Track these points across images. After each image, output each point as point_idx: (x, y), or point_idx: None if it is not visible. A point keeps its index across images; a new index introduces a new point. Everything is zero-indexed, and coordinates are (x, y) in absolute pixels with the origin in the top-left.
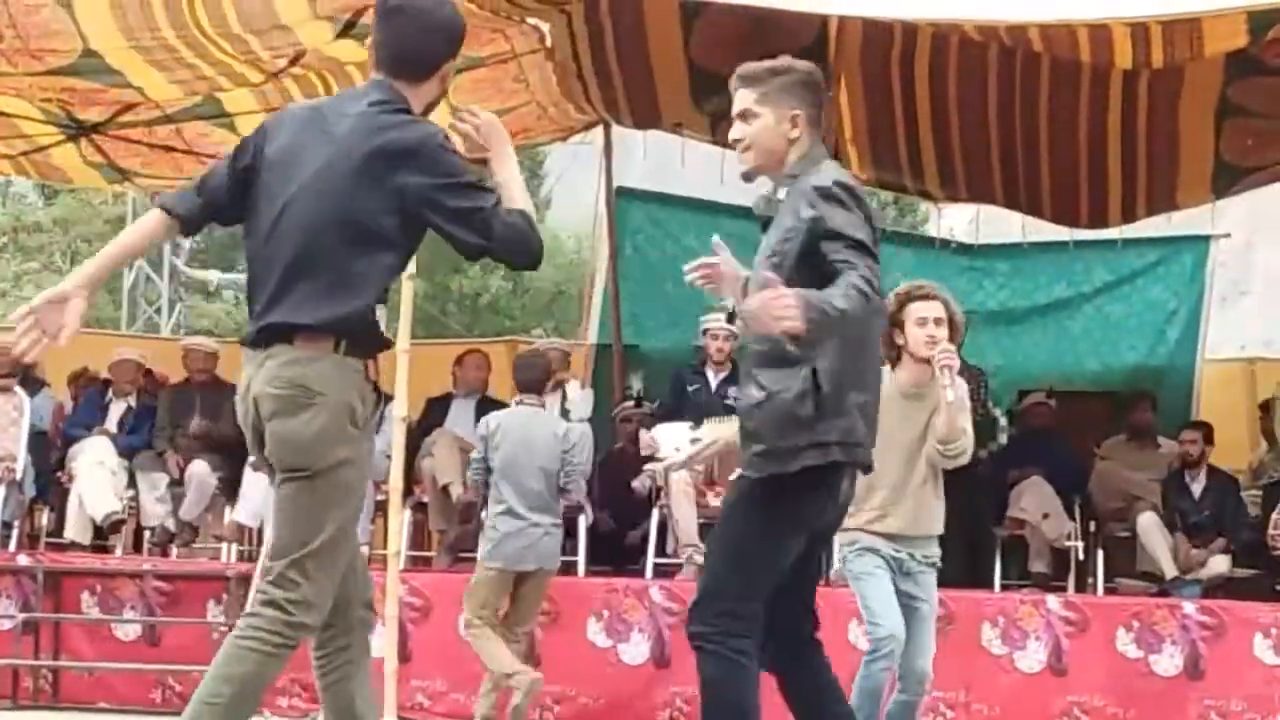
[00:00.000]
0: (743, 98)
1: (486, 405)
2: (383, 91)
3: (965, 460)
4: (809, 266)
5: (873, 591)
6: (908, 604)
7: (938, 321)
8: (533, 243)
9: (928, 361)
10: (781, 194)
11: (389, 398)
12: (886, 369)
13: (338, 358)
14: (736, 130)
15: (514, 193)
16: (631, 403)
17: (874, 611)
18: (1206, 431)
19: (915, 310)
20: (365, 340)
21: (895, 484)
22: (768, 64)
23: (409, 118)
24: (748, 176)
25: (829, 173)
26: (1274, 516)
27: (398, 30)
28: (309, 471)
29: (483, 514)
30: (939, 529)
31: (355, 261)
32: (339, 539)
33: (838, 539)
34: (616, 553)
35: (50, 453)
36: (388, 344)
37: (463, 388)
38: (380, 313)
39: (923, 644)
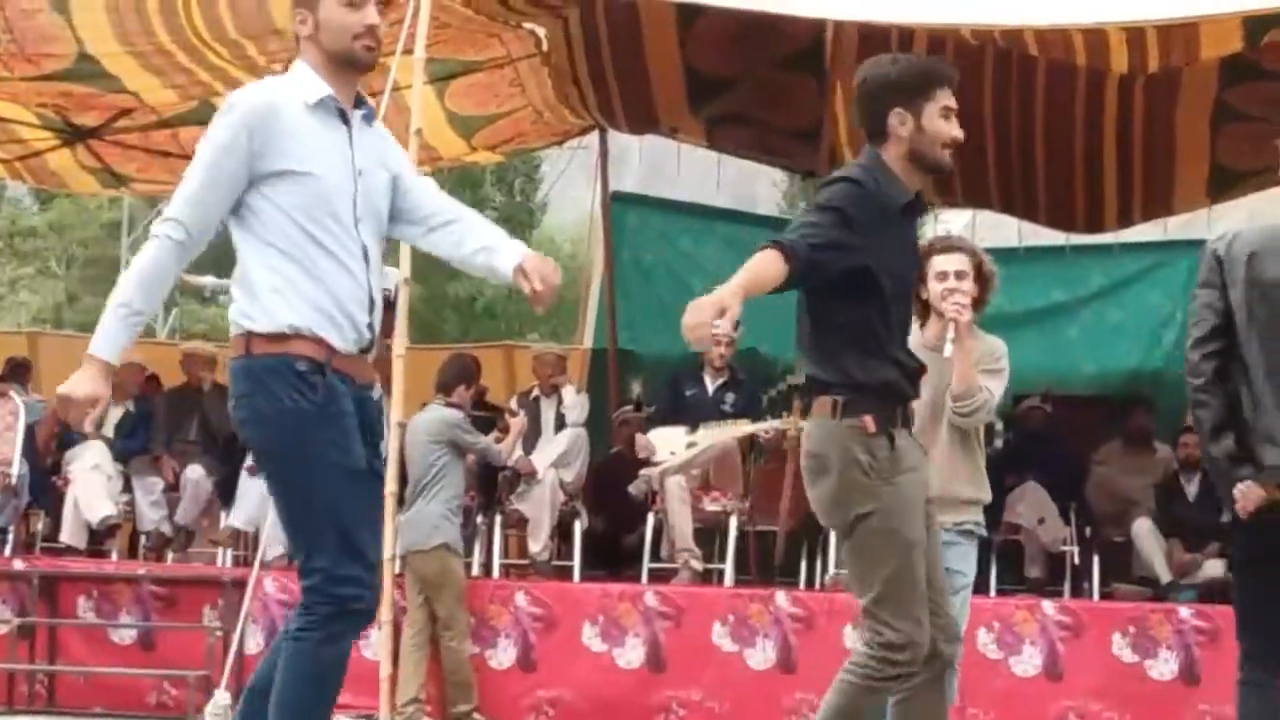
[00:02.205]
0: None
1: (478, 410)
2: (859, 159)
3: (982, 418)
4: None
5: None
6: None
7: (959, 275)
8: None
9: None
10: None
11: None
12: (915, 323)
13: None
14: None
15: None
16: (631, 406)
17: None
18: None
19: (937, 263)
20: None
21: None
22: None
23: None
24: None
25: None
26: None
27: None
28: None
29: (478, 518)
30: (974, 494)
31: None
32: (897, 583)
33: None
34: (612, 557)
35: (44, 458)
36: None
37: None
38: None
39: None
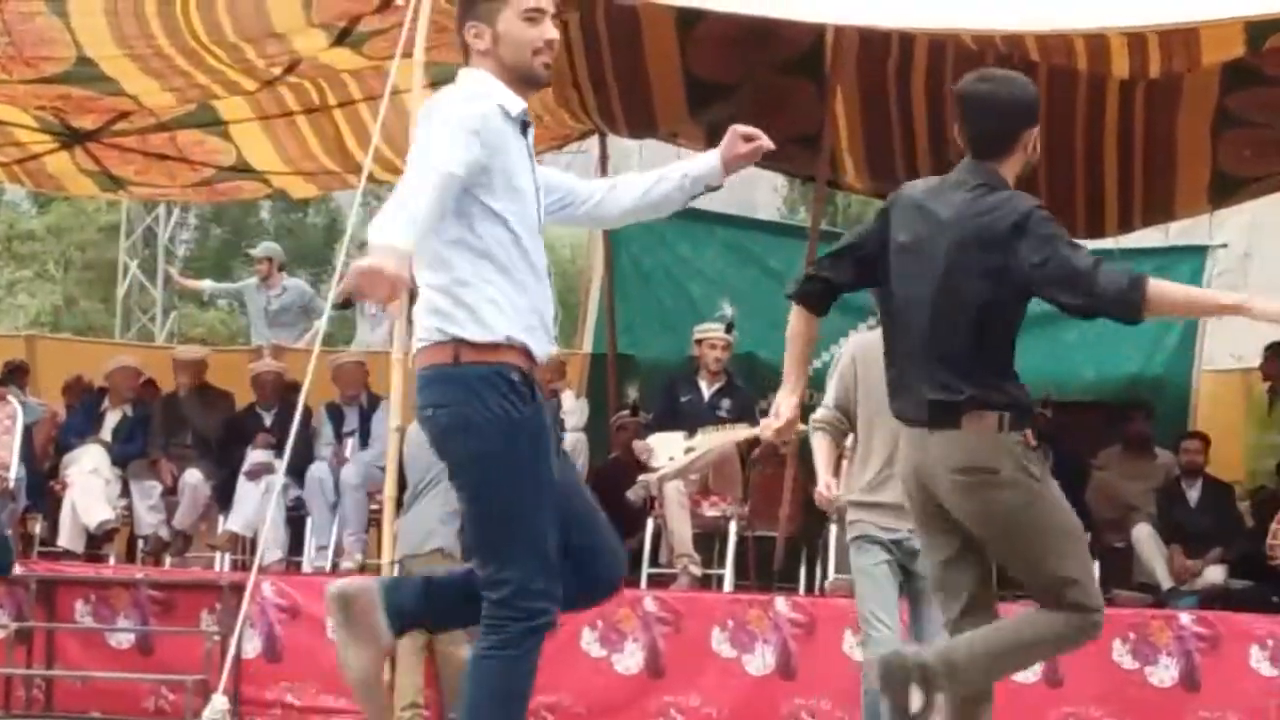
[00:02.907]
0: None
1: None
2: (977, 175)
3: None
4: None
5: (868, 593)
6: (915, 586)
7: None
8: (1130, 297)
9: None
10: None
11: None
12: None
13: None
14: None
15: None
16: (628, 411)
17: (864, 618)
18: (1205, 441)
19: None
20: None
21: (892, 449)
22: None
23: (1004, 197)
24: None
25: None
26: (1273, 526)
27: (969, 118)
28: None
29: None
30: None
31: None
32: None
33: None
34: None
35: (42, 462)
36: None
37: None
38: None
39: (935, 627)
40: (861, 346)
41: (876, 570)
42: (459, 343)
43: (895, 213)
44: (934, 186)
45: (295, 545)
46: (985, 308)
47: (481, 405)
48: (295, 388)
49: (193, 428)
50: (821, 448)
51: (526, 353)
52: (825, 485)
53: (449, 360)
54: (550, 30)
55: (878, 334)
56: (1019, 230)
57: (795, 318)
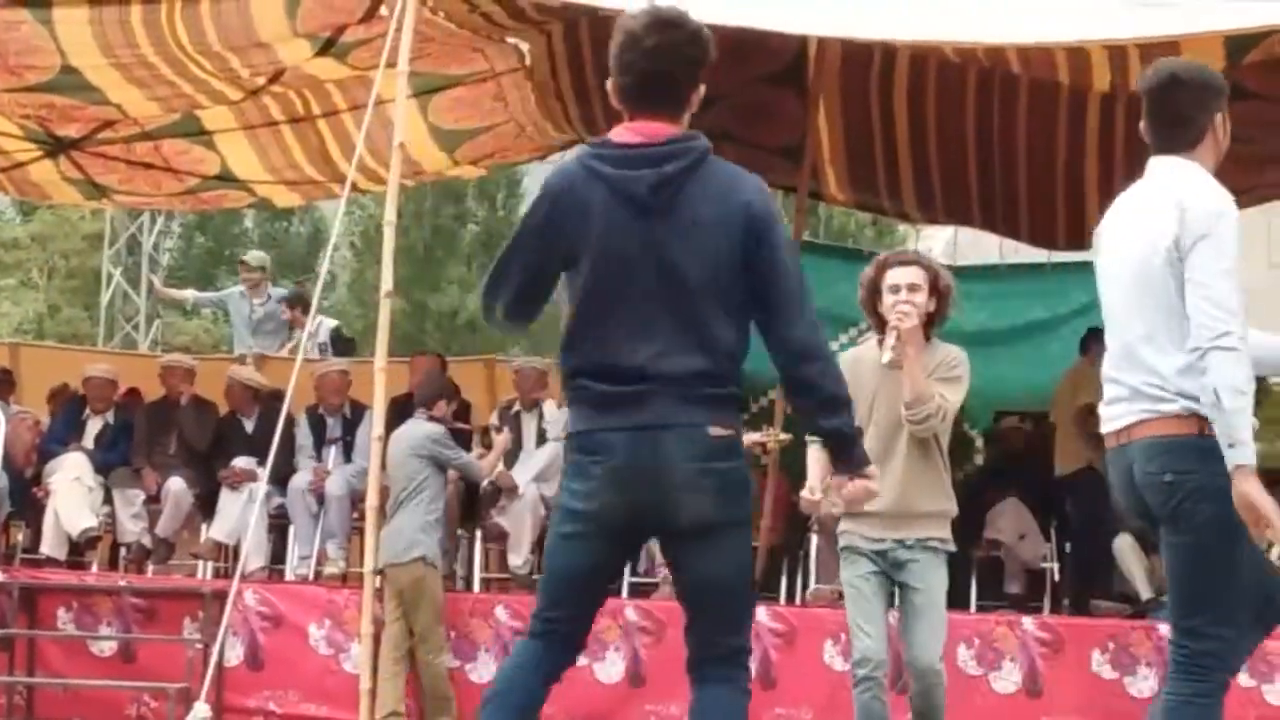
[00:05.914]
0: None
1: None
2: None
3: (935, 425)
4: None
5: (852, 608)
6: (903, 596)
7: (911, 288)
8: None
9: None
10: None
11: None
12: (871, 338)
13: None
14: None
15: None
16: None
17: (852, 630)
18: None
19: (890, 277)
20: None
21: (876, 458)
22: None
23: None
24: None
25: None
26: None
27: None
28: None
29: (458, 532)
30: (935, 506)
31: None
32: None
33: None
34: None
35: (24, 469)
36: None
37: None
38: None
39: (921, 638)
40: (852, 358)
41: (862, 583)
42: (1200, 418)
43: None
44: None
45: (278, 554)
46: None
47: (1224, 474)
48: (274, 395)
49: (185, 436)
50: (813, 457)
51: None
52: (809, 489)
53: (1195, 432)
54: None
55: (864, 347)
56: None
57: None
